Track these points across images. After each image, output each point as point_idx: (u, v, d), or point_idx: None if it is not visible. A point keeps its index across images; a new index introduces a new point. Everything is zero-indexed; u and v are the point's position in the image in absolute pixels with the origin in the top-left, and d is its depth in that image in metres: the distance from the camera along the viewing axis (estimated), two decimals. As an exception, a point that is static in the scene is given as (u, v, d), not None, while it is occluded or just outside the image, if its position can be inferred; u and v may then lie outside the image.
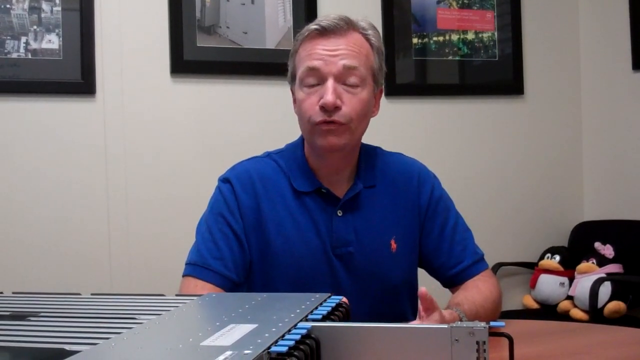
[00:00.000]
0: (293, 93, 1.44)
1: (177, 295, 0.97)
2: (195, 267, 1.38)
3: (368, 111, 1.40)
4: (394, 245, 1.44)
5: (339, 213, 1.42)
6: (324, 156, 1.41)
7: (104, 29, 2.62)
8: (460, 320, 1.25)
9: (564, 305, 3.04)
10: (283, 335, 0.69)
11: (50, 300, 0.92)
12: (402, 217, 1.46)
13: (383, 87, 1.47)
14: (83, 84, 2.59)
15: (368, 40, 1.40)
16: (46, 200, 2.56)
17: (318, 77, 1.35)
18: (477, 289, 1.42)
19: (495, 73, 3.25)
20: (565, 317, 2.98)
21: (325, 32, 1.36)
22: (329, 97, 1.32)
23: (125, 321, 0.78)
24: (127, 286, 2.60)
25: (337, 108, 1.33)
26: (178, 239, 2.34)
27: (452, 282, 1.48)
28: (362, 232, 1.42)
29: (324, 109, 1.33)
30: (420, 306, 1.16)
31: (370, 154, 1.50)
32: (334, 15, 1.39)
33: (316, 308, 0.81)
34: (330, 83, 1.33)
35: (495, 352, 0.80)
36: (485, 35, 3.23)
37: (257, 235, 1.40)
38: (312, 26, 1.38)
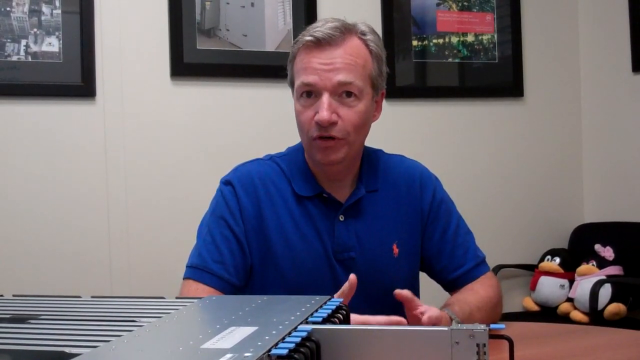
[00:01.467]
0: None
1: (177, 297, 0.97)
2: (196, 270, 1.37)
3: (367, 121, 1.39)
4: (396, 249, 1.44)
5: (341, 218, 1.42)
6: (324, 168, 1.41)
7: (104, 32, 2.63)
8: (451, 320, 1.25)
9: (564, 307, 3.04)
10: (283, 338, 0.69)
11: (50, 303, 0.92)
12: (404, 221, 1.46)
13: (385, 90, 1.45)
14: (83, 87, 2.59)
15: (367, 46, 1.37)
16: (46, 203, 2.56)
17: (313, 91, 1.34)
18: (472, 291, 1.42)
19: (495, 75, 3.25)
20: (565, 319, 2.98)
21: (319, 43, 1.34)
22: (324, 114, 1.31)
23: (126, 324, 0.78)
24: (127, 289, 2.60)
25: (333, 123, 1.33)
26: (178, 241, 2.34)
27: (453, 285, 1.48)
28: (364, 237, 1.42)
29: (319, 124, 1.33)
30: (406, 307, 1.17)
31: (372, 157, 1.49)
32: (331, 22, 1.36)
33: (316, 310, 0.81)
34: (325, 98, 1.32)
35: (496, 355, 0.81)
36: (485, 37, 3.23)
37: (258, 238, 1.40)
38: (307, 37, 1.35)
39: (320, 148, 1.35)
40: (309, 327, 0.73)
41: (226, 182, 1.44)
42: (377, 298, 1.42)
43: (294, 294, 1.35)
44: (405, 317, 1.46)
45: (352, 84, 1.33)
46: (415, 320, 1.20)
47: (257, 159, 1.49)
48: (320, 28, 1.35)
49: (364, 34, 1.38)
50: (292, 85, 1.42)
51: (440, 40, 3.15)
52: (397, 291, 1.20)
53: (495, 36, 3.25)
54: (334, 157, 1.36)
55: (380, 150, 1.53)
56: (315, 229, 1.41)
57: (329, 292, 1.34)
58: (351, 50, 1.35)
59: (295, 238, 1.40)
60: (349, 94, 1.34)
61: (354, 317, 1.10)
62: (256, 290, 1.41)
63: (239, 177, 1.43)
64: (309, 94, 1.35)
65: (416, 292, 1.49)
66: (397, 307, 1.45)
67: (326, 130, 1.33)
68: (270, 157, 1.49)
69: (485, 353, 0.70)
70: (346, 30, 1.36)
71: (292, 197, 1.42)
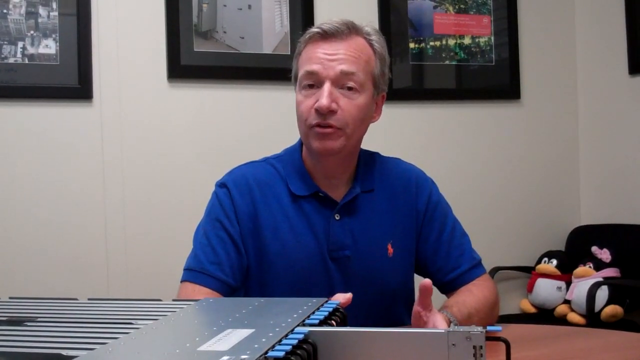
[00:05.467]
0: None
1: (174, 300, 0.97)
2: (193, 272, 1.38)
3: (365, 116, 1.40)
4: (390, 249, 1.45)
5: (336, 217, 1.42)
6: (320, 159, 1.41)
7: (101, 34, 2.62)
8: (450, 323, 1.25)
9: (561, 309, 3.04)
10: (280, 340, 0.69)
11: (47, 305, 0.92)
12: (399, 222, 1.47)
13: (386, 93, 1.47)
14: (80, 89, 2.58)
15: (371, 45, 1.40)
16: (43, 206, 2.55)
17: (316, 81, 1.36)
18: (469, 292, 1.42)
19: (492, 77, 3.26)
20: (562, 321, 2.98)
21: (326, 35, 1.37)
22: (324, 101, 1.33)
23: (123, 326, 0.78)
24: (124, 291, 2.59)
25: (332, 112, 1.34)
26: (175, 243, 2.34)
27: (449, 287, 1.48)
28: (359, 236, 1.43)
29: (319, 112, 1.34)
30: (418, 303, 1.15)
31: (368, 159, 1.50)
32: (339, 19, 1.40)
33: (313, 313, 0.81)
34: (326, 87, 1.34)
35: (493, 357, 0.81)
36: (481, 40, 3.23)
37: (253, 240, 1.41)
38: (315, 29, 1.39)
39: (318, 135, 1.36)
40: (306, 329, 0.74)
41: (221, 184, 1.45)
42: (371, 297, 1.42)
43: (290, 292, 1.36)
44: (400, 316, 1.47)
45: (354, 74, 1.35)
46: (416, 316, 1.18)
47: (252, 162, 1.51)
48: (328, 22, 1.39)
49: (369, 34, 1.41)
50: (295, 80, 1.43)
51: (437, 43, 3.16)
52: (423, 282, 1.14)
53: (492, 38, 3.25)
54: (331, 145, 1.36)
55: (377, 153, 1.54)
56: (311, 227, 1.41)
57: (323, 291, 1.35)
58: (356, 46, 1.38)
59: (290, 237, 1.41)
60: (350, 87, 1.36)
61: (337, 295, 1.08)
62: (253, 290, 1.41)
63: (234, 180, 1.44)
64: (311, 85, 1.37)
65: (411, 293, 1.50)
66: (390, 306, 1.46)
67: (325, 119, 1.34)
68: (265, 159, 1.50)
69: (482, 355, 0.70)
70: (353, 28, 1.39)
71: (287, 197, 1.43)
